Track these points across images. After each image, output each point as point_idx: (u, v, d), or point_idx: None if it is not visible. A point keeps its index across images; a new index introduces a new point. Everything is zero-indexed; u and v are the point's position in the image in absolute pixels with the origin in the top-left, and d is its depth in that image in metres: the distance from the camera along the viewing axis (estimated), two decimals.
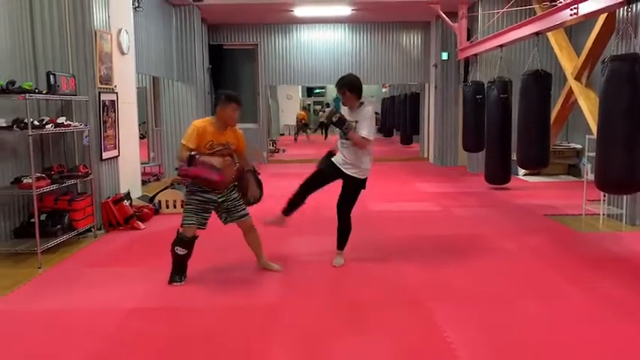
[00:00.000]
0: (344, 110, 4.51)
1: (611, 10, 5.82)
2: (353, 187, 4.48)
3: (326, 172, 4.50)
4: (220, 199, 4.16)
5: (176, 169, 4.11)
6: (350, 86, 4.41)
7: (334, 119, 4.31)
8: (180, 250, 4.09)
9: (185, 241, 4.09)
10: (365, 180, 4.50)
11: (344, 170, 4.41)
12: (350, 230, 4.60)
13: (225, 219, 4.28)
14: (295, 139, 20.62)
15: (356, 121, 4.35)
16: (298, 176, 4.70)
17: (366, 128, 4.31)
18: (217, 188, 4.08)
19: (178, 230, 4.11)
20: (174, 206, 6.96)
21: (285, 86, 14.51)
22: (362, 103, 4.45)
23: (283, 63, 12.73)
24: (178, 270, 4.17)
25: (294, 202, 4.52)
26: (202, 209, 4.09)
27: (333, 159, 4.48)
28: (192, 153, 3.93)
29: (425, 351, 3.10)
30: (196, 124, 4.03)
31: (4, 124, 4.78)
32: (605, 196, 6.26)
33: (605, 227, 6.03)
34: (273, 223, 4.60)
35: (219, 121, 4.07)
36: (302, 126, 20.89)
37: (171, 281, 4.14)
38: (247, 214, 4.30)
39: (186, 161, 3.94)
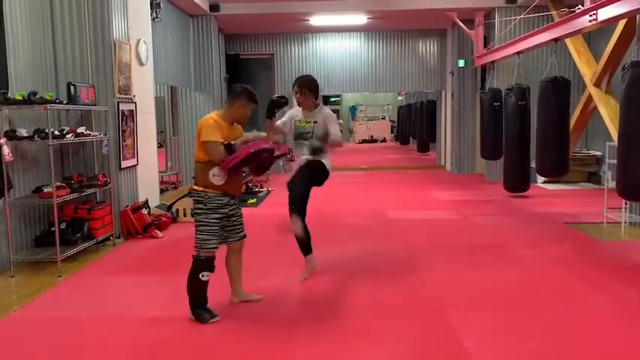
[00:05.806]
0: (297, 111, 4.48)
1: (631, 16, 5.74)
2: (313, 169, 4.27)
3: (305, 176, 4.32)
4: (230, 212, 3.72)
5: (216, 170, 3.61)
6: (309, 85, 4.40)
7: (316, 145, 4.26)
8: (206, 275, 3.56)
9: (210, 262, 3.59)
10: (327, 171, 4.34)
11: (311, 158, 4.28)
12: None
13: (225, 239, 3.77)
14: None
15: (315, 122, 4.32)
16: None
17: (335, 129, 4.32)
18: (283, 154, 3.83)
19: (195, 256, 3.61)
20: (192, 215, 6.97)
21: None
22: (317, 105, 4.45)
23: (299, 72, 12.69)
24: (204, 302, 3.62)
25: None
26: (220, 227, 3.65)
27: (297, 166, 4.37)
28: (226, 142, 3.53)
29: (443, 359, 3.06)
30: (214, 119, 3.62)
31: (26, 134, 4.85)
32: (626, 203, 6.15)
33: (627, 235, 5.92)
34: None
35: (230, 117, 3.73)
36: None
37: (206, 319, 3.57)
38: (246, 234, 3.90)
39: (224, 153, 3.51)
